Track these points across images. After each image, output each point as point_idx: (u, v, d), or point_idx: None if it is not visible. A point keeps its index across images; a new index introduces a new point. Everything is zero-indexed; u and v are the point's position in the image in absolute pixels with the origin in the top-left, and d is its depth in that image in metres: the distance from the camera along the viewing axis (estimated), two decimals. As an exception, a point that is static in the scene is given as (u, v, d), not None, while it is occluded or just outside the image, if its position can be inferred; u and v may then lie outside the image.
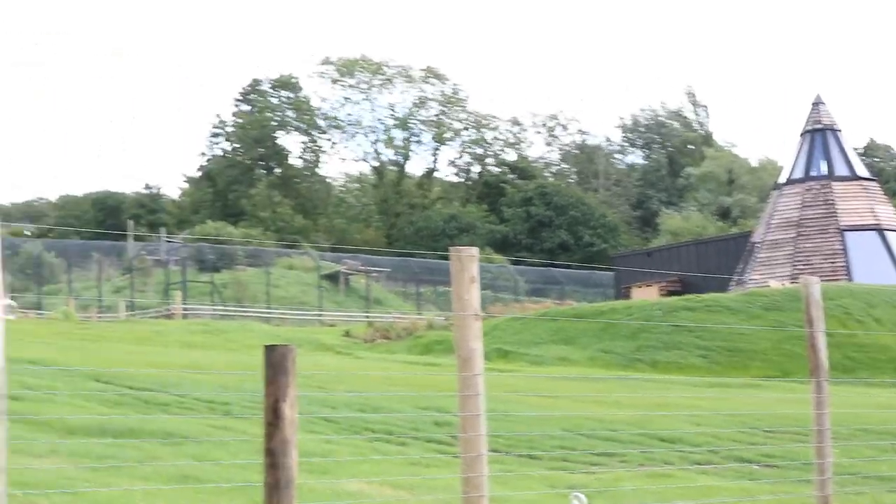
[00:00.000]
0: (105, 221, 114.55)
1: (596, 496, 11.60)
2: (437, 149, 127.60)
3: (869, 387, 29.67)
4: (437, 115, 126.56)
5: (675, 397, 23.14)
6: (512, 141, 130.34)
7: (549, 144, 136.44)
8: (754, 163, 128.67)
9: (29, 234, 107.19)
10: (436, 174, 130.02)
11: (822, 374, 10.56)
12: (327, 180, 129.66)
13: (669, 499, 11.49)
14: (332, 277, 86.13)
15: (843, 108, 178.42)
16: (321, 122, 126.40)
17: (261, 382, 6.15)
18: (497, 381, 24.59)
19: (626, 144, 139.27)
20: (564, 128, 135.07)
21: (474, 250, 8.33)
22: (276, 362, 6.17)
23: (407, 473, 12.81)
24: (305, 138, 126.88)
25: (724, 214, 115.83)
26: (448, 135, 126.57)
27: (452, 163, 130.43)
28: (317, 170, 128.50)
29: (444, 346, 37.93)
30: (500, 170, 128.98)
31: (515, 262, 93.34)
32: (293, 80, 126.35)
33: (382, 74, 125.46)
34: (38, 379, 18.81)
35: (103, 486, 10.88)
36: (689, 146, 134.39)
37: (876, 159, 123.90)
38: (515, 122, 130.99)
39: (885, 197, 62.32)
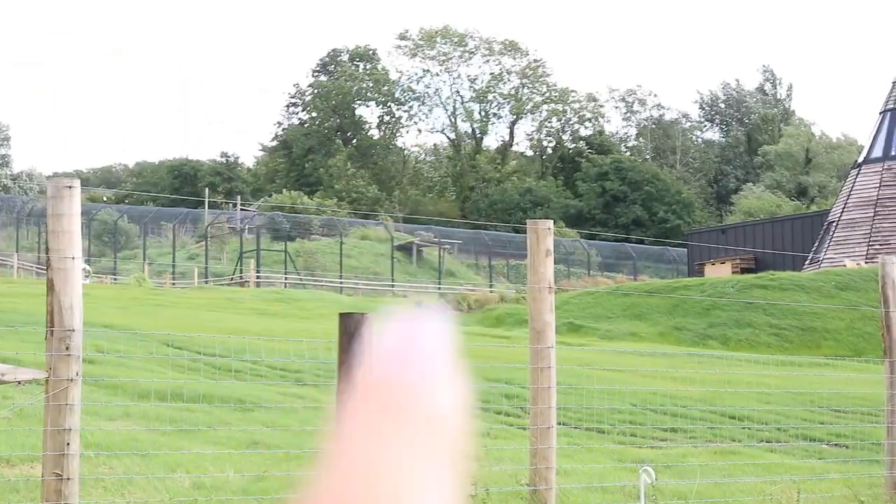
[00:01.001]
0: (181, 189, 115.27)
1: (663, 471, 11.60)
2: (513, 122, 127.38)
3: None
4: (515, 89, 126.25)
5: (745, 375, 23.03)
6: (589, 115, 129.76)
7: (626, 119, 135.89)
8: (833, 141, 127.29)
9: (106, 199, 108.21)
10: (512, 148, 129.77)
11: (895, 354, 10.48)
12: (403, 152, 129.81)
13: (736, 475, 11.47)
14: (406, 249, 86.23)
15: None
16: (399, 94, 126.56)
17: (333, 351, 6.19)
18: (567, 355, 24.59)
19: (704, 121, 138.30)
20: (642, 103, 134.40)
21: (550, 223, 8.37)
22: (350, 329, 6.21)
23: (476, 445, 12.85)
24: (383, 109, 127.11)
25: (801, 193, 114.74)
26: (526, 108, 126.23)
27: (529, 136, 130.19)
28: (393, 141, 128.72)
29: (515, 318, 37.95)
30: (575, 144, 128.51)
31: (589, 237, 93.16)
32: (372, 51, 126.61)
33: (463, 46, 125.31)
34: (112, 343, 19.03)
35: (174, 450, 11.02)
36: (767, 124, 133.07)
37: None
38: (592, 98, 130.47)
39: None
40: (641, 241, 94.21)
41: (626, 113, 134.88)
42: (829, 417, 17.77)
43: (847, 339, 35.51)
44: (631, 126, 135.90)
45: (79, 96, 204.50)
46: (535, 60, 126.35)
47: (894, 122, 60.32)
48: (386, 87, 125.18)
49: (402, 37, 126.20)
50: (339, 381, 6.17)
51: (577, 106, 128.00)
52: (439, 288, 66.09)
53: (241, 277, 67.03)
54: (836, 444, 15.45)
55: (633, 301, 40.04)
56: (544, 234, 8.20)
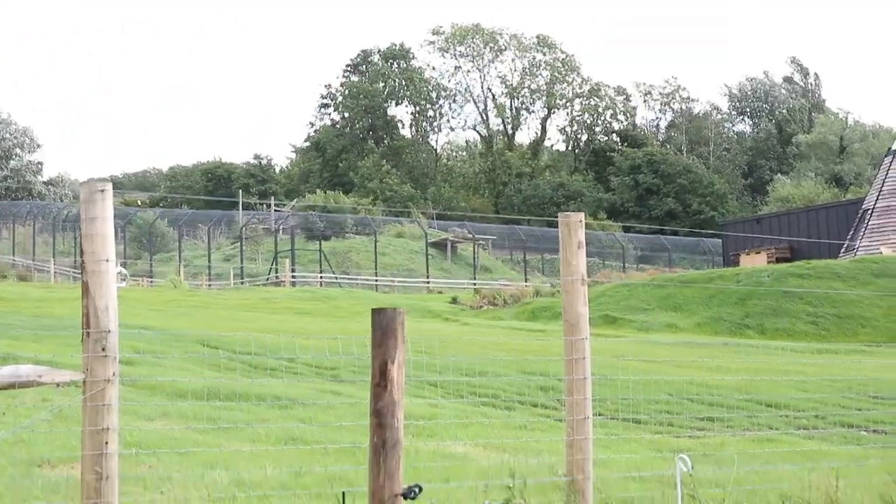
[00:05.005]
0: (215, 191, 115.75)
1: (701, 460, 11.58)
2: (545, 117, 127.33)
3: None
4: (546, 84, 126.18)
5: (782, 363, 22.99)
6: (620, 109, 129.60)
7: (658, 112, 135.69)
8: (867, 129, 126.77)
9: (141, 203, 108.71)
10: (544, 143, 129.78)
11: (930, 338, 10.45)
12: (436, 150, 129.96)
13: (774, 462, 11.45)
14: (440, 245, 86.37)
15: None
16: (431, 93, 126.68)
17: (368, 347, 6.22)
18: (603, 346, 24.59)
19: (734, 113, 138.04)
20: (672, 96, 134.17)
21: (581, 216, 8.38)
22: (384, 325, 6.23)
23: (511, 437, 12.87)
24: (415, 108, 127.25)
25: (836, 181, 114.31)
26: (558, 103, 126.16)
27: (561, 130, 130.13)
28: (426, 139, 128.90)
29: (551, 312, 37.96)
30: (607, 138, 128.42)
31: (624, 230, 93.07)
32: (404, 51, 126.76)
33: (494, 43, 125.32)
34: (148, 344, 19.12)
35: (212, 448, 11.07)
36: (798, 114, 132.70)
37: None
38: (623, 91, 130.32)
39: None
40: (676, 233, 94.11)
41: (657, 106, 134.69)
42: (866, 404, 17.71)
43: (884, 326, 35.36)
44: (662, 119, 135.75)
45: (112, 102, 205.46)
46: (566, 55, 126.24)
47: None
48: (418, 86, 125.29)
49: (435, 32, 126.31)
50: (372, 376, 6.20)
51: (608, 100, 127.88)
52: (474, 283, 66.12)
53: (276, 277, 67.25)
54: (874, 431, 15.40)
55: (669, 292, 39.99)
56: (576, 227, 8.21)
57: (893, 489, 9.50)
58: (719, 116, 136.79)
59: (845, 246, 59.34)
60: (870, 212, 59.26)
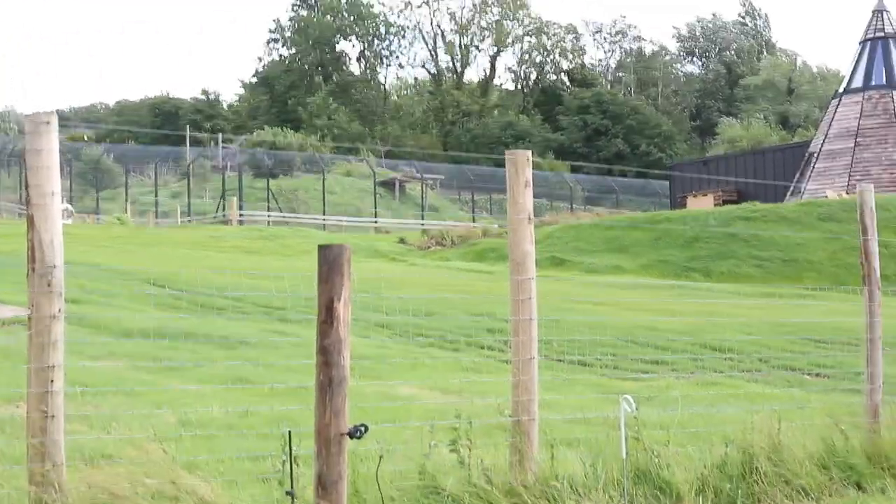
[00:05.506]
0: (162, 127, 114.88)
1: (645, 402, 11.67)
2: (495, 56, 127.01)
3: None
4: (495, 22, 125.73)
5: (728, 306, 23.14)
6: (570, 48, 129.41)
7: (606, 52, 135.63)
8: (815, 72, 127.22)
9: (87, 138, 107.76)
10: (493, 82, 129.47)
11: (874, 282, 10.52)
12: (384, 87, 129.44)
13: (718, 405, 11.55)
14: (388, 184, 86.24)
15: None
16: (380, 28, 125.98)
17: (315, 286, 6.20)
18: (550, 288, 24.66)
19: (683, 54, 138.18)
20: (622, 34, 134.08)
21: (528, 154, 8.37)
22: (330, 261, 6.20)
23: (459, 378, 12.93)
24: (364, 44, 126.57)
25: (784, 123, 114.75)
26: (507, 41, 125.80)
27: (510, 69, 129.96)
28: (374, 76, 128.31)
29: (498, 253, 37.99)
30: (556, 77, 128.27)
31: (572, 170, 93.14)
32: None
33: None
34: (94, 282, 19.03)
35: (158, 387, 11.07)
36: (747, 55, 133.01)
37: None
38: (572, 30, 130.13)
39: (948, 106, 61.52)
40: (624, 175, 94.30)
41: (606, 46, 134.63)
42: (810, 348, 17.88)
43: (829, 270, 35.60)
44: (611, 59, 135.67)
45: (58, 35, 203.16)
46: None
47: (874, 52, 60.27)
48: (368, 21, 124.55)
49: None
50: (318, 313, 6.19)
51: (556, 38, 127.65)
52: (422, 224, 66.09)
53: (224, 216, 66.96)
54: (817, 374, 15.55)
55: (616, 234, 40.11)
56: (523, 165, 8.21)
57: (834, 431, 9.62)
58: (668, 57, 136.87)
59: (791, 189, 59.67)
60: (816, 155, 59.56)
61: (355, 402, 7.07)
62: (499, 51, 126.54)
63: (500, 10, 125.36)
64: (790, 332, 19.26)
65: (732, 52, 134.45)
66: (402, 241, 46.36)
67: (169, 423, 9.46)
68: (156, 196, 78.99)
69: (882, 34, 60.36)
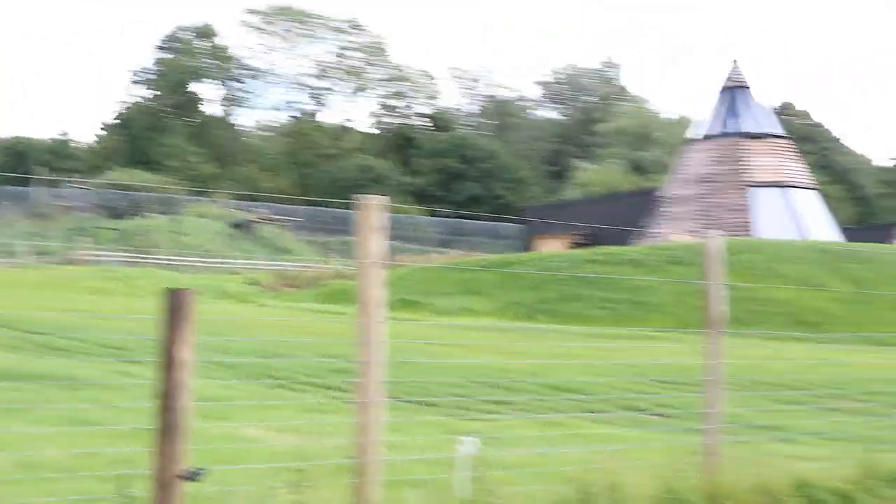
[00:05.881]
0: (15, 168, 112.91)
1: (489, 442, 11.73)
2: (354, 100, 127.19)
3: (765, 339, 30.11)
4: (355, 67, 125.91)
5: (575, 347, 23.37)
6: (429, 94, 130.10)
7: (465, 98, 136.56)
8: (670, 119, 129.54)
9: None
10: (351, 125, 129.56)
11: (716, 325, 10.72)
12: (241, 129, 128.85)
13: (560, 445, 11.66)
14: (242, 226, 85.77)
15: (758, 67, 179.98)
16: (240, 71, 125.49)
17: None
18: (400, 329, 24.69)
19: (543, 100, 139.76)
20: (482, 81, 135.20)
21: (379, 199, 8.42)
22: (172, 305, 6.19)
23: (304, 419, 12.89)
24: (223, 87, 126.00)
25: (638, 169, 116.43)
26: (366, 86, 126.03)
27: (373, 114, 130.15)
28: (233, 119, 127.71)
29: (350, 294, 37.90)
30: (415, 122, 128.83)
31: (428, 214, 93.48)
32: (213, 29, 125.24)
33: (305, 24, 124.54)
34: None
35: (-3, 429, 10.87)
36: (604, 102, 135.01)
37: (792, 118, 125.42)
38: (431, 76, 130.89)
39: (796, 155, 63.00)
40: (478, 218, 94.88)
41: (465, 92, 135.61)
42: (655, 388, 18.10)
43: (675, 312, 36.11)
44: (470, 105, 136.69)
45: None
46: (377, 38, 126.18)
47: (729, 101, 61.65)
48: (227, 65, 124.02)
49: (250, 12, 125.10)
50: (159, 356, 6.16)
51: (416, 84, 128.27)
52: (275, 265, 65.76)
53: (74, 255, 66.04)
54: (659, 414, 15.75)
55: (469, 276, 40.31)
56: (374, 210, 8.26)
57: (674, 471, 9.75)
58: (527, 103, 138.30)
59: (641, 232, 60.55)
60: (665, 199, 60.56)
61: (199, 444, 7.02)
62: (358, 94, 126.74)
63: (360, 54, 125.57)
64: (636, 372, 19.51)
65: (590, 100, 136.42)
66: (254, 282, 46.14)
67: (4, 465, 9.30)
68: (3, 236, 77.54)
69: (733, 84, 61.77)
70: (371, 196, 8.43)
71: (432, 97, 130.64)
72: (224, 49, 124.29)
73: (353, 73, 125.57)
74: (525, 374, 18.27)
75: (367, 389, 8.18)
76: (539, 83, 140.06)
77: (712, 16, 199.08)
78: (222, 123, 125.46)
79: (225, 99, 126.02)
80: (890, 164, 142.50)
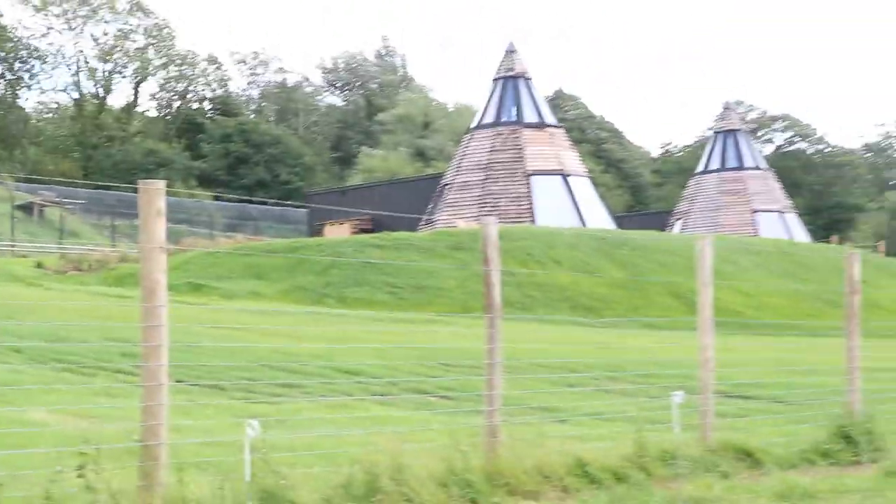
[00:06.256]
0: None
1: (276, 425, 11.72)
2: (139, 83, 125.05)
3: (545, 324, 30.64)
4: (140, 49, 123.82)
5: (360, 331, 23.46)
6: (214, 78, 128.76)
7: (250, 83, 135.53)
8: (451, 107, 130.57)
9: None
10: (136, 108, 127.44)
11: (495, 310, 10.87)
12: (25, 111, 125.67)
13: (346, 428, 11.70)
14: (26, 208, 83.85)
15: (534, 56, 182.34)
16: (22, 52, 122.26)
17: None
18: (187, 313, 24.50)
19: (325, 86, 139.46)
20: (265, 66, 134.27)
21: (161, 183, 8.34)
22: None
23: (92, 403, 12.72)
24: (4, 68, 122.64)
25: (420, 156, 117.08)
26: (150, 69, 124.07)
27: (154, 97, 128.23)
28: (15, 100, 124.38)
29: (136, 278, 37.33)
30: (200, 106, 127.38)
31: (214, 198, 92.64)
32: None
33: (88, 5, 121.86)
34: None
35: None
36: (386, 89, 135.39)
37: (564, 108, 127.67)
38: (216, 60, 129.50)
39: (570, 144, 64.07)
40: (264, 203, 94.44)
41: (249, 76, 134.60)
42: (439, 371, 18.27)
43: (458, 297, 36.45)
44: (254, 89, 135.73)
45: None
46: (161, 21, 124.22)
47: (506, 91, 62.31)
48: (8, 45, 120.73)
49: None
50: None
51: (201, 68, 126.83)
52: (61, 248, 64.46)
53: None
54: (444, 397, 15.90)
55: (255, 261, 40.07)
56: (156, 194, 8.19)
57: (455, 452, 9.87)
58: (311, 89, 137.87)
59: (425, 219, 60.93)
60: (449, 186, 61.02)
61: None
62: (142, 78, 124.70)
63: (144, 37, 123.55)
64: (420, 356, 19.65)
65: (373, 86, 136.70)
66: (39, 265, 45.11)
67: None
68: None
69: (512, 73, 62.48)
70: (153, 181, 8.36)
71: (218, 82, 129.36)
72: (4, 28, 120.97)
73: (137, 56, 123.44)
74: (311, 357, 18.27)
75: (153, 373, 8.12)
76: (321, 69, 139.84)
77: (493, 4, 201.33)
78: (4, 104, 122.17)
79: (6, 80, 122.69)
80: (663, 154, 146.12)
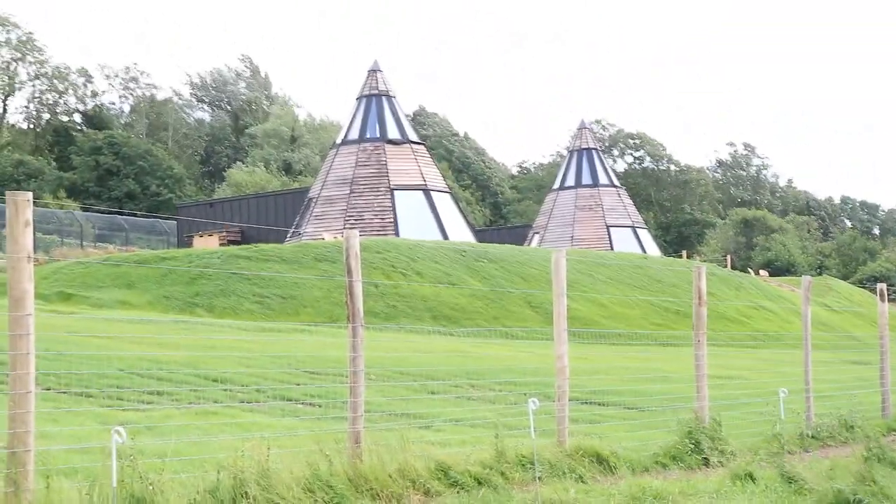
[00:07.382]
0: None
1: (145, 432, 11.57)
2: (7, 96, 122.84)
3: (408, 333, 30.65)
4: (6, 62, 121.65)
5: (228, 340, 23.23)
6: (84, 91, 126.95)
7: (120, 97, 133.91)
8: (317, 123, 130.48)
9: None
10: (4, 121, 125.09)
11: (357, 320, 10.85)
12: None
13: (215, 434, 11.59)
14: None
15: (397, 74, 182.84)
16: None
17: None
18: (57, 322, 24.05)
19: (194, 101, 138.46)
20: (135, 80, 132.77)
21: (28, 194, 8.22)
22: None
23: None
24: None
25: (287, 170, 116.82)
26: (17, 83, 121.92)
27: (25, 108, 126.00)
28: None
29: (4, 288, 36.69)
30: (71, 119, 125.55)
31: (84, 209, 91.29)
32: None
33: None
34: None
35: None
36: (253, 105, 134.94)
37: (425, 125, 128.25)
38: (86, 73, 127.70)
39: (431, 160, 64.31)
40: (134, 214, 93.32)
41: (120, 90, 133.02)
42: (305, 379, 18.16)
43: (324, 307, 36.36)
44: (125, 103, 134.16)
45: None
46: (28, 34, 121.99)
47: (370, 108, 62.38)
48: None
49: None
50: None
51: (70, 81, 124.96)
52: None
53: None
54: (310, 404, 15.81)
55: (124, 270, 39.54)
56: (23, 205, 8.06)
57: (320, 457, 9.83)
58: (180, 103, 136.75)
59: (291, 231, 60.75)
60: (315, 200, 60.85)
61: None
62: (10, 91, 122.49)
63: (10, 51, 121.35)
64: (287, 364, 19.54)
65: (239, 102, 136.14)
66: None
67: None
68: None
69: (376, 92, 62.59)
70: (21, 192, 8.23)
71: (88, 94, 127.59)
72: None
73: (4, 68, 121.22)
74: (179, 364, 18.05)
75: (19, 381, 7.99)
76: (189, 84, 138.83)
77: (356, 24, 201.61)
78: None
79: None
80: (520, 171, 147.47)
